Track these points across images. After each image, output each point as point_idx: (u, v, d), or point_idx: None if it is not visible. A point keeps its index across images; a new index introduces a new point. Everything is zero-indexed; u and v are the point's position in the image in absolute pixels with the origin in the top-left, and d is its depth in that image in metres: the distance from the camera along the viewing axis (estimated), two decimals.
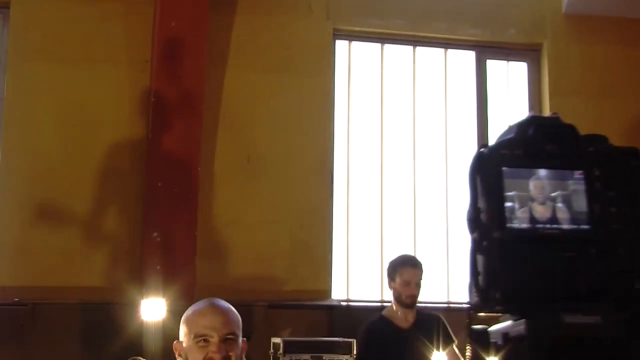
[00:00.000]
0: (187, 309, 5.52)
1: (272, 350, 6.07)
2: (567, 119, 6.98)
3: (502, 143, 1.32)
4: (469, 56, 7.74)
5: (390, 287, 5.48)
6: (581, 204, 1.28)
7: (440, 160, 7.56)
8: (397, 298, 5.42)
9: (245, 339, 2.53)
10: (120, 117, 6.79)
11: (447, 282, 7.36)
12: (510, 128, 1.34)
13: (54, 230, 6.58)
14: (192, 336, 2.45)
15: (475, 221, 1.28)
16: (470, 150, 7.58)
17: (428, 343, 5.18)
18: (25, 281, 6.46)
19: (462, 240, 7.42)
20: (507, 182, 1.29)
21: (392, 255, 7.26)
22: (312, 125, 7.19)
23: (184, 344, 2.48)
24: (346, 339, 6.06)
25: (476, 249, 1.27)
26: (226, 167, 6.95)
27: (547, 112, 7.60)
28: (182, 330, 2.51)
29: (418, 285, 5.48)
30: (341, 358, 5.97)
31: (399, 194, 7.45)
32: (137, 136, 6.70)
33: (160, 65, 6.63)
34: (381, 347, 5.10)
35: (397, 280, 5.41)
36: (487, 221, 1.27)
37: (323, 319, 6.83)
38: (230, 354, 2.41)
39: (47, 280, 6.47)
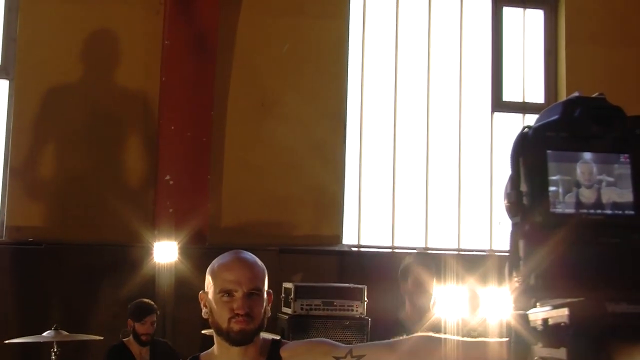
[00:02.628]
0: (198, 252, 5.56)
1: (283, 295, 6.12)
2: (583, 68, 6.92)
3: (546, 125, 1.29)
4: (485, 3, 7.62)
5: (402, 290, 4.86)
6: (627, 188, 1.25)
7: (454, 107, 7.50)
8: (411, 301, 4.49)
9: (270, 290, 2.53)
10: (133, 59, 6.75)
11: (458, 229, 7.37)
12: (554, 107, 1.31)
13: (68, 173, 6.59)
14: (217, 290, 2.44)
15: (517, 205, 1.25)
16: (484, 98, 7.55)
17: None
18: (40, 222, 6.50)
19: (473, 188, 7.43)
20: (551, 165, 1.25)
21: (404, 201, 7.30)
22: (327, 70, 7.13)
23: (209, 296, 2.49)
24: (357, 285, 6.09)
25: (517, 233, 1.25)
26: (240, 111, 6.93)
27: (563, 62, 7.53)
28: (208, 281, 2.51)
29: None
30: (352, 304, 6.02)
31: (411, 140, 7.42)
32: (150, 79, 6.65)
33: (174, 8, 6.57)
34: None
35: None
36: (529, 205, 1.24)
37: (334, 264, 6.87)
38: (253, 310, 2.42)
39: (61, 222, 6.51)
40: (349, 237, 7.15)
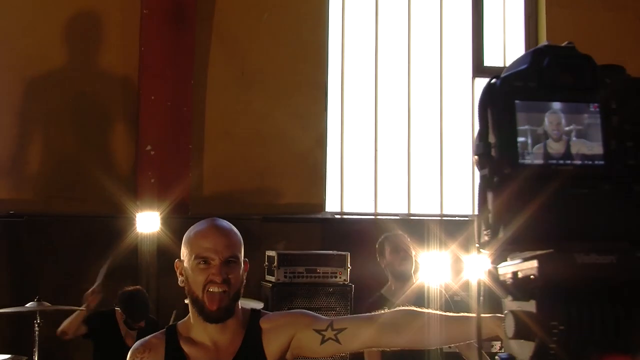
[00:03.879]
0: (180, 222, 5.53)
1: (266, 263, 6.12)
2: (563, 32, 6.87)
3: (515, 74, 1.26)
4: None
5: (382, 264, 4.92)
6: (596, 138, 1.23)
7: (435, 72, 7.47)
8: (392, 272, 4.81)
9: (247, 259, 2.52)
10: (111, 29, 6.67)
11: (441, 195, 7.37)
12: (523, 57, 1.28)
13: (49, 144, 6.53)
14: (193, 257, 2.42)
15: (485, 157, 1.23)
16: (465, 63, 7.52)
17: None
18: (21, 194, 6.45)
19: (455, 154, 7.42)
20: (520, 115, 1.23)
21: (386, 168, 7.29)
22: (307, 37, 7.08)
23: (185, 264, 2.46)
24: (341, 252, 6.10)
25: (486, 185, 1.23)
26: (220, 80, 6.87)
27: (543, 27, 7.51)
28: (184, 250, 2.48)
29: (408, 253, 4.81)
30: (335, 271, 6.03)
31: (393, 106, 7.39)
32: (129, 49, 6.58)
33: None
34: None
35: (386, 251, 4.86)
36: (498, 157, 1.22)
37: (317, 232, 6.86)
38: (230, 276, 2.40)
39: (42, 194, 6.47)
40: (331, 205, 7.15)
